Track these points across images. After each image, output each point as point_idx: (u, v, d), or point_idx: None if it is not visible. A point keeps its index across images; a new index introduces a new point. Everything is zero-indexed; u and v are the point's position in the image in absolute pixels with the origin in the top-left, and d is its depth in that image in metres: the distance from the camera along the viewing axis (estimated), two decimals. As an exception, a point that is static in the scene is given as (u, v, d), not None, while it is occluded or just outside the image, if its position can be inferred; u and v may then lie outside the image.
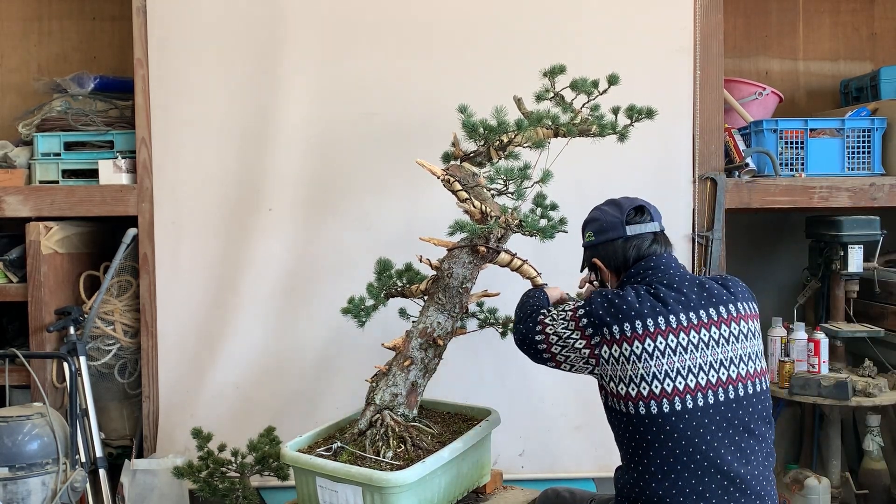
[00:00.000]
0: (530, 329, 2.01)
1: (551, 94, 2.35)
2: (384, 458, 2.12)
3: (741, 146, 3.20)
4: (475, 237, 2.23)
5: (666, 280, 1.94)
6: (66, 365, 2.88)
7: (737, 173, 3.19)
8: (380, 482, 2.00)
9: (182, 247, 3.10)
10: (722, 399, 1.83)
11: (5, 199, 3.11)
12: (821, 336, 3.10)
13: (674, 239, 3.03)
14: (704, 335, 1.85)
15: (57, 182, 3.19)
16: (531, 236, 2.26)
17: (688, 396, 1.81)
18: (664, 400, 1.80)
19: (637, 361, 1.83)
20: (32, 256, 3.04)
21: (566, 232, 2.29)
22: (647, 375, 1.82)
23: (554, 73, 2.33)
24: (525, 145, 2.29)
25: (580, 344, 1.91)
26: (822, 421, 3.35)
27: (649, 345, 1.82)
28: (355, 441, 2.22)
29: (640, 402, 1.82)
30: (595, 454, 3.11)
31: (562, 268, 2.76)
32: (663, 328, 1.83)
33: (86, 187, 3.13)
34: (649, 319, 1.84)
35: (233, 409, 3.09)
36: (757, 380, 1.89)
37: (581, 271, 2.22)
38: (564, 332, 1.93)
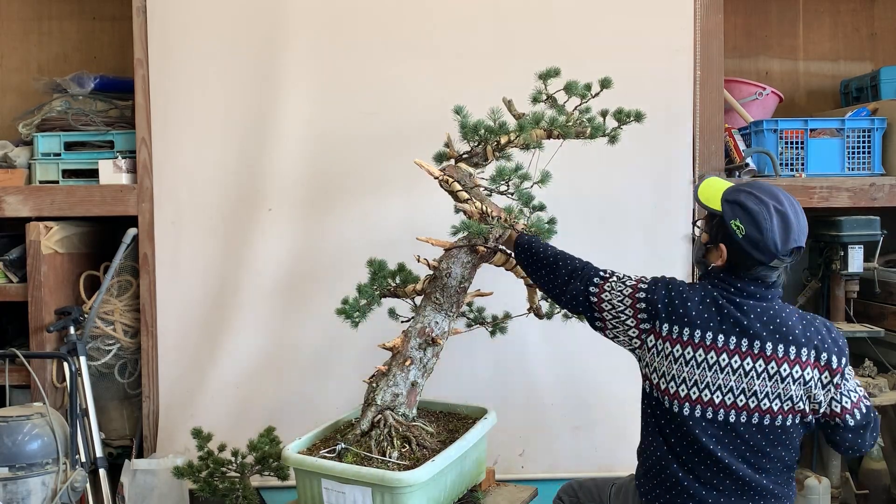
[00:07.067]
0: (582, 291, 2.02)
1: (545, 97, 2.39)
2: (390, 458, 2.13)
3: (741, 146, 3.20)
4: (475, 237, 2.24)
5: (743, 299, 1.92)
6: (66, 365, 2.88)
7: (737, 173, 3.19)
8: (391, 482, 2.01)
9: (182, 247, 3.10)
10: (733, 421, 1.90)
11: (5, 199, 3.10)
12: (821, 336, 3.10)
13: (673, 239, 3.08)
14: (735, 361, 1.89)
15: (57, 182, 3.19)
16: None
17: (709, 409, 1.90)
18: (686, 404, 1.91)
19: (675, 363, 1.91)
20: (32, 256, 3.04)
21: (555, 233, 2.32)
22: (678, 378, 1.91)
23: (549, 75, 2.38)
24: (521, 146, 2.32)
25: (631, 322, 1.96)
26: (822, 421, 3.35)
27: (689, 353, 1.90)
28: (359, 442, 2.22)
29: (667, 398, 1.93)
30: (595, 454, 3.11)
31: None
32: (708, 343, 1.89)
33: (86, 187, 3.13)
34: (697, 331, 1.90)
35: (233, 409, 3.09)
36: (780, 417, 1.91)
37: (693, 227, 2.22)
38: (619, 306, 1.98)
